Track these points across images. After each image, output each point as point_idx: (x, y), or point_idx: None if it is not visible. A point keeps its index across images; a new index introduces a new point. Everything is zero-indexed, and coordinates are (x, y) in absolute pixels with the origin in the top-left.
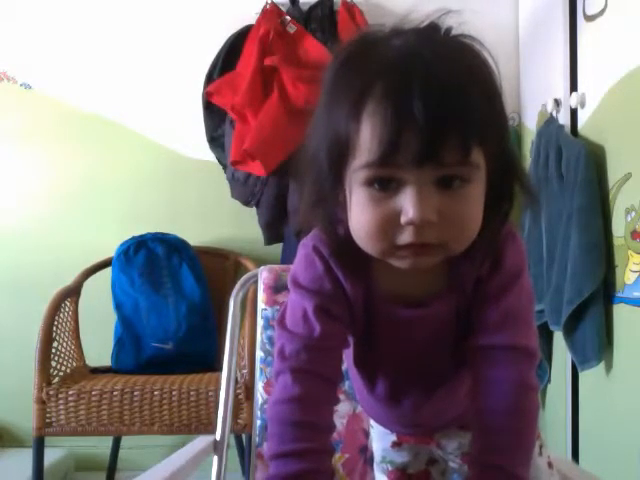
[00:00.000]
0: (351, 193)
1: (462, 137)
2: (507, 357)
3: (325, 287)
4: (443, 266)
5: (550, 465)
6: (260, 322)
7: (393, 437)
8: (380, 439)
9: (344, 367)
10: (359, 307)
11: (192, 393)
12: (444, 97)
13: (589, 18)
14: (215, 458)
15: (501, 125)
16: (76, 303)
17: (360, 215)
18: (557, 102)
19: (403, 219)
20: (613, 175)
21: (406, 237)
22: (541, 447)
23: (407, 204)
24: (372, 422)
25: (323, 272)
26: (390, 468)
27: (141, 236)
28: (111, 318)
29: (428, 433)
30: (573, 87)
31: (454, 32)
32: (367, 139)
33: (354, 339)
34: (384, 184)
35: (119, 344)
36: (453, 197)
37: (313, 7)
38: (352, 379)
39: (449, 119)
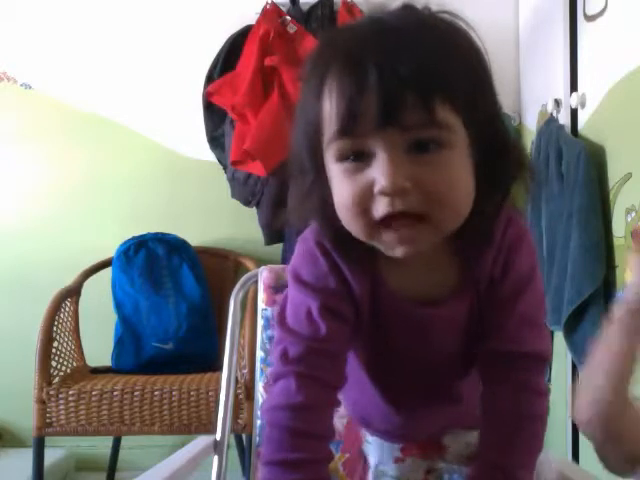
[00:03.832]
0: (330, 175)
1: (421, 94)
2: (520, 363)
3: (330, 285)
4: (454, 263)
5: None
6: (260, 322)
7: (396, 452)
8: (380, 455)
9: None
10: (366, 306)
11: (192, 393)
12: (399, 58)
13: (589, 18)
14: (215, 458)
15: (482, 89)
16: (76, 303)
17: (338, 191)
18: (557, 102)
19: (376, 189)
20: (613, 175)
21: (382, 207)
22: None
23: (377, 173)
24: (369, 437)
25: (328, 269)
26: None
27: (141, 236)
28: (111, 318)
29: (435, 438)
30: (573, 87)
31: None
32: (329, 113)
33: (362, 342)
34: (356, 157)
35: (119, 344)
36: (428, 163)
37: (313, 7)
38: (348, 388)
39: (404, 78)
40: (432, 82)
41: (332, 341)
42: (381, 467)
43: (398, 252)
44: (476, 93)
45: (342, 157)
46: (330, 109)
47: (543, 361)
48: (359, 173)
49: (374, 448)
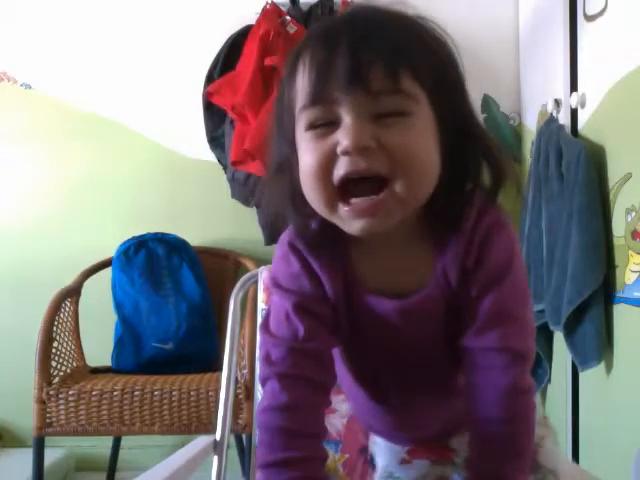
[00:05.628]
0: (299, 147)
1: (388, 62)
2: (498, 360)
3: (304, 285)
4: (425, 253)
5: None
6: (260, 322)
7: (402, 454)
8: (386, 456)
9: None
10: (341, 304)
11: (192, 393)
12: (369, 30)
13: (589, 18)
14: (215, 458)
15: (447, 74)
16: (76, 303)
17: (304, 158)
18: (557, 102)
19: (339, 149)
20: (613, 175)
21: (344, 167)
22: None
23: (341, 134)
24: (376, 438)
25: (300, 269)
26: None
27: (141, 236)
28: (111, 318)
29: (439, 439)
30: (573, 87)
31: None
32: (301, 84)
33: (342, 340)
34: (324, 125)
35: (119, 344)
36: (393, 126)
37: (313, 7)
38: (348, 389)
39: (374, 47)
40: (399, 53)
41: (312, 340)
42: (389, 469)
43: (357, 225)
44: (441, 75)
45: (311, 125)
46: (303, 79)
47: (523, 358)
48: (326, 137)
49: (381, 449)
